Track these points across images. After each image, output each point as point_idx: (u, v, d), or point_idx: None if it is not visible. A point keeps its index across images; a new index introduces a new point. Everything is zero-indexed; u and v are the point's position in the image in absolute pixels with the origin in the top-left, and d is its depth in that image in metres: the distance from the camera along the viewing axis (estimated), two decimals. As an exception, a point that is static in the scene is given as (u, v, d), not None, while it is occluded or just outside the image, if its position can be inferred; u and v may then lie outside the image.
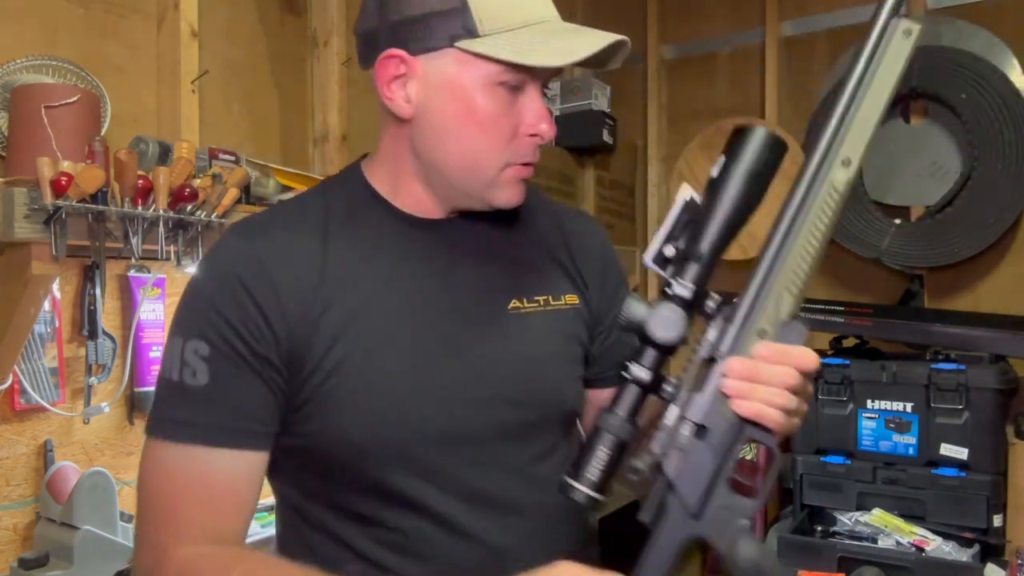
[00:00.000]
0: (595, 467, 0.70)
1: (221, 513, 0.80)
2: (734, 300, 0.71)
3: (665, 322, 0.70)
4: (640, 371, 0.71)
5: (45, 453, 1.51)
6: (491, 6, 0.81)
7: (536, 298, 0.94)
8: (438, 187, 0.89)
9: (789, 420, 0.71)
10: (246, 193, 1.53)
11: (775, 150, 0.72)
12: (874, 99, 0.71)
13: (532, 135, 0.85)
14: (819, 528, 2.13)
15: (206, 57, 1.81)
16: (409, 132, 0.87)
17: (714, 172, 0.72)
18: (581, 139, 2.51)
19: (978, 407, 1.95)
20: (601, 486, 0.70)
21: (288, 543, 0.93)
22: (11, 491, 1.49)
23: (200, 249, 1.40)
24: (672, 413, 0.71)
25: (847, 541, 1.96)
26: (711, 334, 0.72)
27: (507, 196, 0.88)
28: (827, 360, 2.23)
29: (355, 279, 0.86)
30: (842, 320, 2.15)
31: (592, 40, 0.82)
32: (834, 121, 0.71)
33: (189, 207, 1.37)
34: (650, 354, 0.72)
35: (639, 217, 2.97)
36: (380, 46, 0.83)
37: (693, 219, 0.72)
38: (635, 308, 0.71)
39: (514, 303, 0.92)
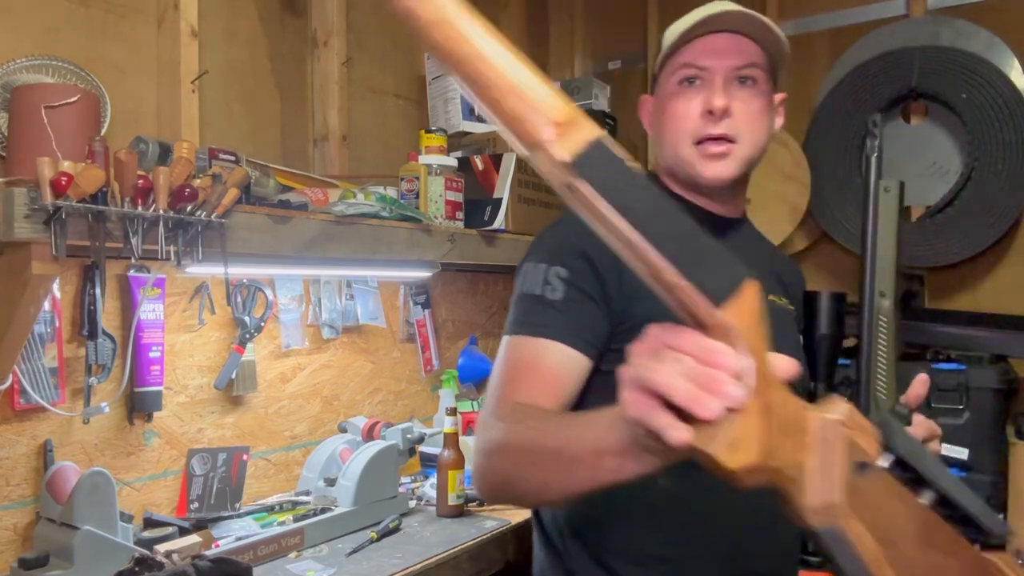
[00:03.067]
0: None
1: (542, 394, 0.98)
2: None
3: None
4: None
5: (45, 453, 1.52)
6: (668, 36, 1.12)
7: (769, 296, 1.10)
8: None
9: None
10: (246, 193, 1.53)
11: None
12: (885, 244, 1.11)
13: (709, 112, 1.08)
14: (819, 528, 2.12)
15: (206, 57, 1.81)
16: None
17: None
18: (581, 139, 2.51)
19: (978, 407, 1.95)
20: None
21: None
22: (11, 491, 1.49)
23: (200, 249, 1.39)
24: None
25: (847, 541, 1.96)
26: None
27: (707, 170, 1.11)
28: (827, 360, 2.23)
29: None
30: (842, 320, 2.14)
31: (720, 5, 1.08)
32: (867, 271, 1.03)
33: (189, 207, 1.36)
34: None
35: (639, 217, 2.97)
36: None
37: None
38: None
39: (770, 296, 1.09)
